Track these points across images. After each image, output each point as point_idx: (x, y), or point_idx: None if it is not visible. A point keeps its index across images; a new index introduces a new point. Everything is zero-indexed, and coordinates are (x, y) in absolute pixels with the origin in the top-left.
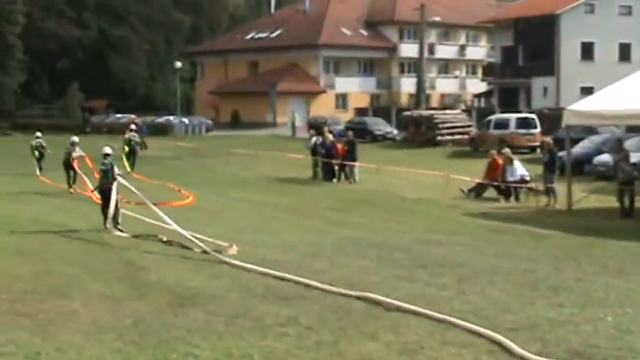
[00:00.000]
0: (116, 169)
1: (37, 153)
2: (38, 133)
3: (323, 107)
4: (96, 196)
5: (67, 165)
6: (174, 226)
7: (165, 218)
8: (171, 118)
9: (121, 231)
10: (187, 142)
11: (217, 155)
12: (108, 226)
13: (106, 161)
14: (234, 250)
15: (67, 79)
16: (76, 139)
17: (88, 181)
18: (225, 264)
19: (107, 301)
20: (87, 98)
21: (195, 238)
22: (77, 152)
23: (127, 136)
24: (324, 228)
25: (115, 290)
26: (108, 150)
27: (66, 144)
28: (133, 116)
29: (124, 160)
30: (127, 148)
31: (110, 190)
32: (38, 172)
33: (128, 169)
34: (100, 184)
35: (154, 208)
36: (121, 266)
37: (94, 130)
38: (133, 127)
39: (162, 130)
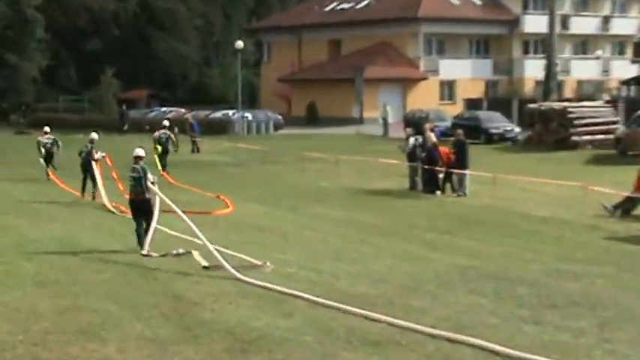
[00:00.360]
0: (150, 176)
1: (43, 151)
2: (47, 128)
3: (423, 98)
4: (121, 209)
5: (86, 167)
6: (203, 241)
7: (196, 231)
8: (230, 112)
9: (148, 253)
10: (250, 144)
11: (288, 160)
12: (144, 251)
13: (137, 166)
14: (267, 267)
15: (100, 64)
16: (95, 136)
17: (104, 195)
18: (270, 290)
19: (149, 345)
20: (124, 88)
21: (222, 252)
22: (98, 154)
23: (156, 134)
24: (424, 254)
25: (160, 331)
26: (140, 152)
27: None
28: (183, 110)
29: (157, 161)
30: (159, 148)
31: (144, 202)
32: (48, 173)
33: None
34: (131, 194)
35: (186, 219)
36: (167, 301)
37: (133, 128)
38: (165, 123)
39: (219, 129)
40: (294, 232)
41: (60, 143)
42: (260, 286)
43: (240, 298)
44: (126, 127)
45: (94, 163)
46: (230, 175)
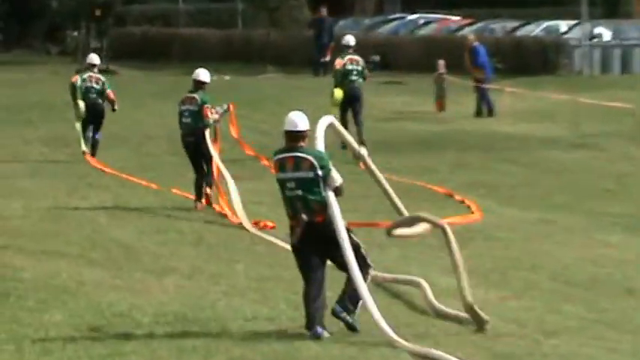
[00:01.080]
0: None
1: (81, 105)
2: (94, 58)
3: None
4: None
5: (197, 147)
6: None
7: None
8: (564, 26)
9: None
10: (612, 96)
11: None
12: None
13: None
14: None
15: None
16: (95, 58)
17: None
18: None
19: None
20: None
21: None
22: (213, 111)
23: (350, 66)
24: None
25: None
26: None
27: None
28: (456, 19)
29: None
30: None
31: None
32: (84, 147)
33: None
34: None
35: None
36: None
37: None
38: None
39: (536, 60)
40: None
41: (112, 96)
42: None
43: None
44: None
45: (207, 135)
46: (559, 168)
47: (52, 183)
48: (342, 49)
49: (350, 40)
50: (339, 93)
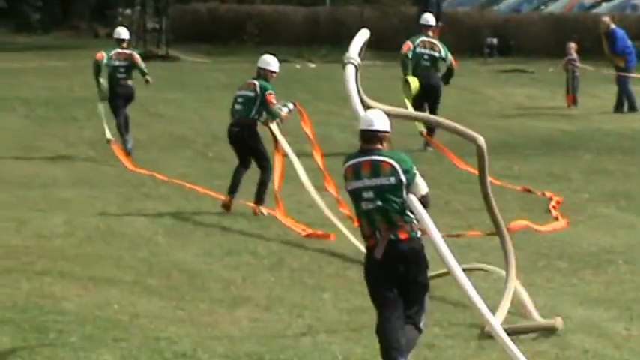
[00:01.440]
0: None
1: (104, 83)
2: (123, 32)
3: None
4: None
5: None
6: None
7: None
8: None
9: None
10: None
11: None
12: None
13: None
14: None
15: None
16: (123, 32)
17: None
18: None
19: None
20: None
21: None
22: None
23: (420, 49)
24: None
25: None
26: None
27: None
28: None
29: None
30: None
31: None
32: (108, 134)
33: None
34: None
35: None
36: None
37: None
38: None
39: None
40: None
41: (144, 68)
42: None
43: None
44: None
45: (274, 128)
46: None
47: (101, 194)
48: (420, 30)
49: (429, 19)
50: (414, 82)
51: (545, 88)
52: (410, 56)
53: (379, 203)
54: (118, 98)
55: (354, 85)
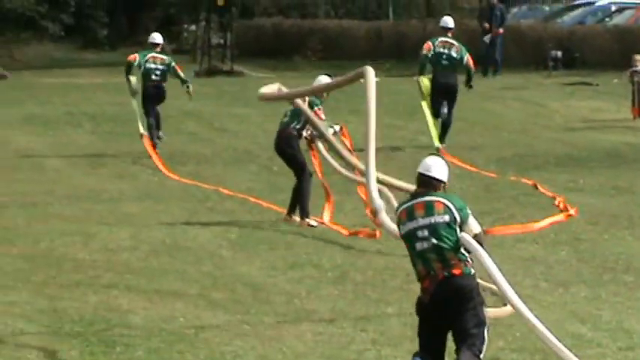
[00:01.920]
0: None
1: (133, 80)
2: (155, 36)
3: None
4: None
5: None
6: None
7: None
8: None
9: None
10: None
11: None
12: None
13: None
14: None
15: None
16: (157, 37)
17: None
18: None
19: None
20: None
21: None
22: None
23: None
24: None
25: None
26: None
27: None
28: None
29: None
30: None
31: None
32: (142, 129)
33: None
34: None
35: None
36: None
37: None
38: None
39: None
40: None
41: (181, 74)
42: None
43: None
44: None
45: (321, 146)
46: None
47: (166, 208)
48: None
49: (448, 21)
50: (424, 82)
51: (611, 101)
52: (429, 56)
53: (434, 241)
54: (151, 99)
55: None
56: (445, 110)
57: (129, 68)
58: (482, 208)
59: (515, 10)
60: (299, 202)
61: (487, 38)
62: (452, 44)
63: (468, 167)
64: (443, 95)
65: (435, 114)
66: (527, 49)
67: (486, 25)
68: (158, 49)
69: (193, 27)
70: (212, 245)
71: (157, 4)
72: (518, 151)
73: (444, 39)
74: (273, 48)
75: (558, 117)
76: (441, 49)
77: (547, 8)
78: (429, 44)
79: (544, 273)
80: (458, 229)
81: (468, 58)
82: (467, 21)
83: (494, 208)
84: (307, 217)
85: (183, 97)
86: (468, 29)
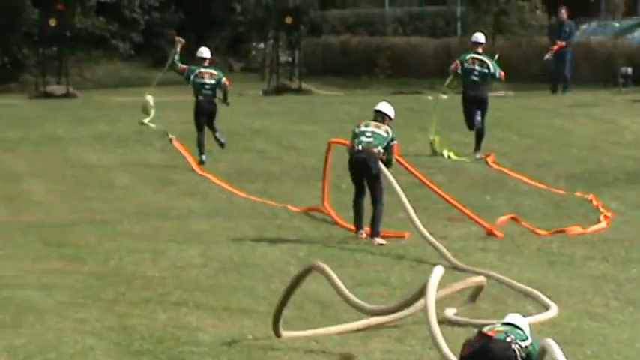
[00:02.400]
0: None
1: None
2: (204, 50)
3: None
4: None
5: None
6: None
7: None
8: None
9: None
10: None
11: None
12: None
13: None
14: None
15: None
16: (205, 52)
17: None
18: None
19: None
20: None
21: None
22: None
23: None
24: None
25: None
26: (384, 107)
27: None
28: None
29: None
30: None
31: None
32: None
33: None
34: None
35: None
36: None
37: None
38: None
39: None
40: None
41: (227, 90)
42: None
43: None
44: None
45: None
46: None
47: (235, 225)
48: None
49: (479, 37)
50: (437, 140)
51: None
52: (459, 72)
53: None
54: (203, 114)
55: None
56: (478, 118)
57: (172, 67)
58: (552, 224)
59: (584, 26)
60: (373, 222)
61: (549, 56)
62: (483, 61)
63: (537, 184)
64: (475, 105)
65: (469, 125)
66: (596, 66)
67: (557, 43)
68: (206, 64)
69: (262, 45)
70: (280, 262)
71: (226, 23)
72: (588, 168)
73: (473, 55)
74: (341, 66)
75: (628, 134)
76: (471, 66)
77: (617, 24)
78: (456, 63)
79: (614, 291)
80: None
81: (500, 73)
82: (537, 38)
83: (564, 226)
84: (378, 236)
85: (251, 115)
86: (537, 46)
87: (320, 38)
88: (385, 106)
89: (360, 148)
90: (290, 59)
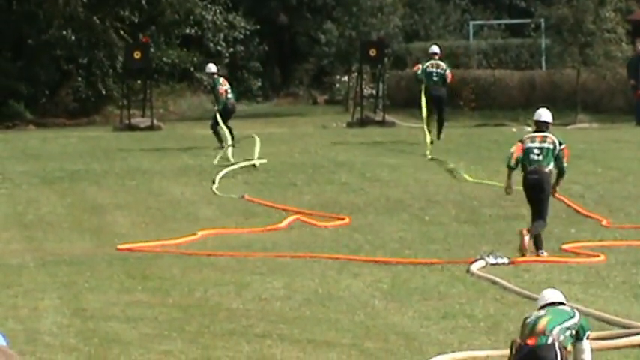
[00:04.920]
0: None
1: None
2: (210, 66)
3: None
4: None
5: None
6: None
7: None
8: None
9: None
10: None
11: None
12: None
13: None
14: None
15: None
16: (212, 67)
17: None
18: None
19: None
20: None
21: None
22: None
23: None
24: None
25: None
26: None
27: None
28: None
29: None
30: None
31: None
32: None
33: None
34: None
35: None
36: None
37: None
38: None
39: None
40: None
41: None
42: None
43: None
44: None
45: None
46: None
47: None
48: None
49: (434, 49)
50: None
51: None
52: (420, 73)
53: None
54: (230, 114)
55: None
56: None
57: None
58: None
59: None
60: (535, 237)
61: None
62: (439, 64)
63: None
64: (435, 104)
65: (430, 114)
66: None
67: (632, 81)
68: (215, 76)
69: (345, 78)
70: (365, 295)
71: (310, 55)
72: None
73: (432, 62)
74: None
75: None
76: (432, 69)
77: None
78: (418, 65)
79: None
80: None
81: (448, 73)
82: (621, 70)
83: None
84: (542, 247)
85: (335, 148)
86: (622, 78)
87: (404, 71)
88: (546, 115)
89: (532, 168)
90: (374, 92)
